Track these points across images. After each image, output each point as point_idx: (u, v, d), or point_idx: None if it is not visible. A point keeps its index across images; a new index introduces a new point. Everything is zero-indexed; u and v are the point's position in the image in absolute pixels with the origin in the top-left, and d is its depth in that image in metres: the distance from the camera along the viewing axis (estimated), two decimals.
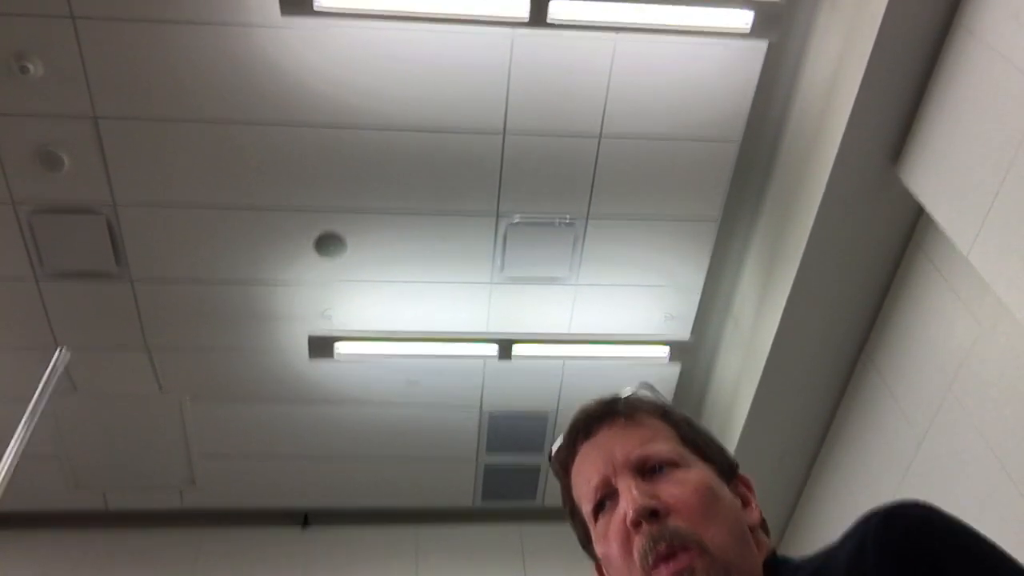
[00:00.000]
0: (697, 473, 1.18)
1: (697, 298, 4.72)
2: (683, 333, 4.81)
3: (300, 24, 3.64)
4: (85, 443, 5.08)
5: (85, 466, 5.19)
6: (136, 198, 4.13)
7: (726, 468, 1.24)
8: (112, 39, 3.68)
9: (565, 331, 4.79)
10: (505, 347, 4.66)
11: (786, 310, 4.08)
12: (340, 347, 4.60)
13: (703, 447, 1.24)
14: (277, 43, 3.72)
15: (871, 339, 4.22)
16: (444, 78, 3.86)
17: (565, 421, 1.31)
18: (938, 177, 3.29)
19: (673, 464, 1.18)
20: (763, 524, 1.22)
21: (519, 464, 5.50)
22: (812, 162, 3.79)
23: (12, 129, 3.88)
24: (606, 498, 1.19)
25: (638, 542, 1.12)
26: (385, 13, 3.54)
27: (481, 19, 3.60)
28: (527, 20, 3.55)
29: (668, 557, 1.09)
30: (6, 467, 3.17)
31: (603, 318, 4.74)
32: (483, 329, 4.73)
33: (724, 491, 1.19)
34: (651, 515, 1.12)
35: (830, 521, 4.65)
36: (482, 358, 4.85)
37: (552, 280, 4.59)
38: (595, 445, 1.23)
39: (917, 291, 3.87)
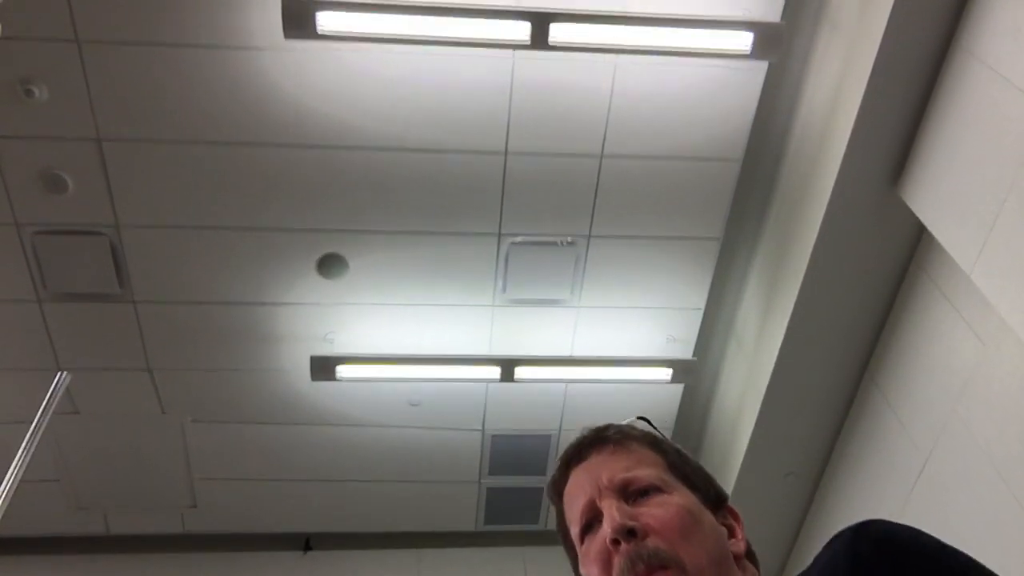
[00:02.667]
0: (679, 497, 1.19)
1: (699, 319, 4.72)
2: (685, 354, 4.80)
3: (303, 47, 3.66)
4: (86, 465, 5.07)
5: (87, 488, 5.18)
6: (139, 219, 4.14)
7: (712, 497, 1.24)
8: (116, 62, 3.71)
9: (567, 353, 4.78)
10: (507, 369, 4.64)
11: (789, 330, 4.07)
12: (342, 369, 4.58)
13: (690, 475, 1.25)
14: (280, 66, 3.75)
15: (874, 359, 4.20)
16: (446, 99, 3.89)
17: (568, 444, 1.35)
18: (939, 195, 3.29)
19: (657, 489, 1.19)
20: (751, 555, 1.23)
21: (521, 487, 5.47)
22: (813, 181, 3.80)
23: (17, 151, 3.90)
24: (593, 520, 1.21)
25: (617, 562, 1.12)
26: (388, 36, 3.56)
27: (483, 42, 3.62)
28: (528, 43, 3.57)
29: None
30: (7, 490, 3.14)
31: (605, 340, 4.73)
32: (485, 351, 4.73)
33: (707, 516, 1.19)
34: (629, 534, 1.13)
35: None
36: (484, 380, 4.83)
37: (554, 302, 4.59)
38: (585, 469, 1.26)
39: (920, 310, 3.86)
